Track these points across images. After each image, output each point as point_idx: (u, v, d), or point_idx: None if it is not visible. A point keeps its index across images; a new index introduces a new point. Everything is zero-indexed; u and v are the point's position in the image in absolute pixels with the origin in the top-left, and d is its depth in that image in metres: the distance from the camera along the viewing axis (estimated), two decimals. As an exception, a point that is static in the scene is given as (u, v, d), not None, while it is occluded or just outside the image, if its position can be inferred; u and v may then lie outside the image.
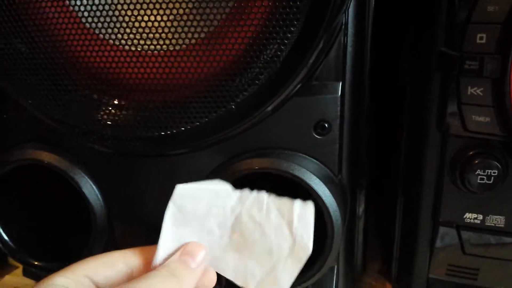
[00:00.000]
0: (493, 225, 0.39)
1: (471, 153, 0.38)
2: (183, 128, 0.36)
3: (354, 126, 0.41)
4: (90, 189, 0.41)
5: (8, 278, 0.53)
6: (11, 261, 0.54)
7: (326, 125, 0.39)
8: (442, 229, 0.41)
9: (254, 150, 0.39)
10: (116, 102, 0.36)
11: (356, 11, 0.39)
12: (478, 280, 0.42)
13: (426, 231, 0.42)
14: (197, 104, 0.36)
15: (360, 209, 0.45)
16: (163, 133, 0.36)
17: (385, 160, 0.50)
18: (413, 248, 0.43)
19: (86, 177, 0.41)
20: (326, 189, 0.38)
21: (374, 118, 0.48)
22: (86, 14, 0.35)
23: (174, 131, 0.36)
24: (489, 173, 0.37)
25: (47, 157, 0.40)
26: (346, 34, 0.38)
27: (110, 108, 0.36)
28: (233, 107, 0.36)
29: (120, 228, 0.44)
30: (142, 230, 0.44)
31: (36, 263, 0.44)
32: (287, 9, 0.33)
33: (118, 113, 0.36)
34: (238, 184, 0.39)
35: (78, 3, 0.35)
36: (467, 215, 0.40)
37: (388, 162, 0.49)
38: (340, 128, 0.39)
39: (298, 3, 0.33)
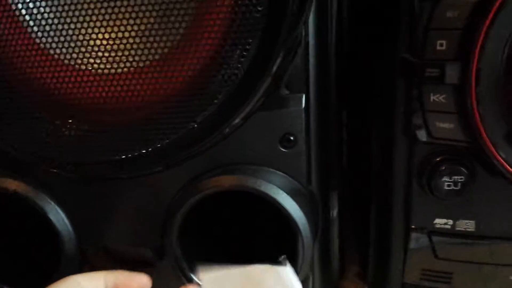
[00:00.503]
0: (464, 229, 0.39)
1: (437, 159, 0.38)
2: (143, 151, 0.35)
3: (321, 137, 0.41)
4: (56, 215, 0.40)
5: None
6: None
7: (291, 138, 0.38)
8: (414, 235, 0.41)
9: (220, 167, 0.39)
10: (70, 124, 0.36)
11: (316, 22, 0.38)
12: (452, 284, 0.42)
13: (399, 236, 0.42)
14: (156, 126, 0.35)
15: (334, 215, 0.45)
16: (123, 157, 0.35)
17: (358, 165, 0.50)
18: (387, 254, 0.43)
19: (52, 203, 0.40)
20: (294, 203, 0.38)
21: (348, 124, 0.47)
22: (36, 29, 0.34)
23: (135, 153, 0.35)
24: (456, 179, 0.37)
25: (11, 184, 0.40)
26: (307, 46, 0.38)
27: (65, 131, 0.36)
28: (195, 126, 0.36)
29: (93, 250, 0.43)
30: (116, 251, 0.43)
31: (6, 288, 0.43)
32: (243, 26, 0.33)
33: (74, 136, 0.35)
34: (206, 201, 0.39)
35: (28, 18, 0.34)
36: (437, 220, 0.40)
37: (361, 167, 0.48)
38: (307, 140, 0.39)
39: (253, 19, 0.32)
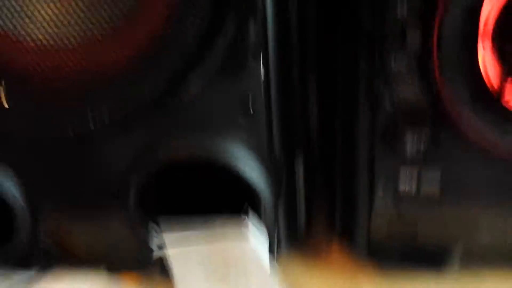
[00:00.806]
0: (428, 194, 0.39)
1: (401, 126, 0.37)
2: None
3: (283, 101, 0.39)
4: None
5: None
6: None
7: (251, 103, 0.37)
8: (378, 202, 0.40)
9: (177, 137, 0.38)
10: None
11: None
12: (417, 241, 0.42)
13: (364, 202, 0.41)
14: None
15: (300, 180, 0.44)
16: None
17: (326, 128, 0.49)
18: (353, 216, 0.43)
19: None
20: (254, 171, 0.37)
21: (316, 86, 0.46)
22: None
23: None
24: (419, 145, 0.36)
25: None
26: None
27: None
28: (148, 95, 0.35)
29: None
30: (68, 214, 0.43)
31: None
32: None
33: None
34: (163, 172, 0.38)
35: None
36: (402, 187, 0.39)
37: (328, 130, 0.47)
38: (267, 105, 0.38)
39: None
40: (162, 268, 0.38)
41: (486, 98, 0.34)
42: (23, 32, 0.33)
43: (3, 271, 0.44)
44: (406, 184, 0.39)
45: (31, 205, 0.40)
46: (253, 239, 0.37)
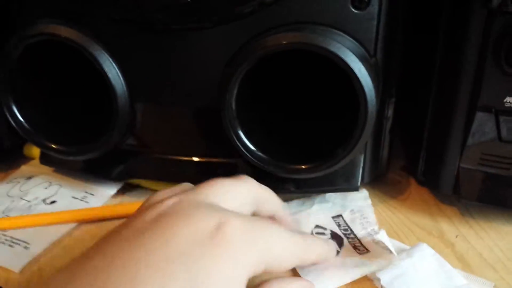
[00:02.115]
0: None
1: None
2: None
3: (392, 3, 0.38)
4: (110, 67, 0.39)
5: (24, 167, 0.52)
6: (27, 152, 0.52)
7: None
8: (479, 114, 0.39)
9: (285, 25, 0.37)
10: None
11: None
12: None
13: (462, 117, 0.40)
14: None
15: (391, 101, 0.43)
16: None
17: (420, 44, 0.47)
18: (445, 137, 0.41)
19: (106, 54, 0.38)
20: (362, 67, 0.36)
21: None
22: None
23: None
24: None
25: (65, 32, 0.38)
26: None
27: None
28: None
29: (141, 108, 0.42)
30: (164, 111, 0.42)
31: (54, 146, 0.42)
32: None
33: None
34: (266, 64, 0.37)
35: None
36: (508, 99, 0.38)
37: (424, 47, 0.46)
38: (379, 2, 0.37)
39: None
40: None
41: None
42: None
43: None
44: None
45: (129, 89, 0.39)
46: None
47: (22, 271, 0.38)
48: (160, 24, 0.37)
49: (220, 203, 0.30)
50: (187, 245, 0.26)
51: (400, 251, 0.37)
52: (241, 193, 0.31)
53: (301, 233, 0.31)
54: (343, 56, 0.35)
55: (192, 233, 0.26)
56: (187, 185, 0.33)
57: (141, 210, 0.30)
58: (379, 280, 0.34)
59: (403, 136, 0.53)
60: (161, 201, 0.29)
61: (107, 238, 0.28)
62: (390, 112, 0.44)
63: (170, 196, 0.30)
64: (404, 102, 0.46)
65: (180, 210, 0.28)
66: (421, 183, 0.48)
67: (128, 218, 0.30)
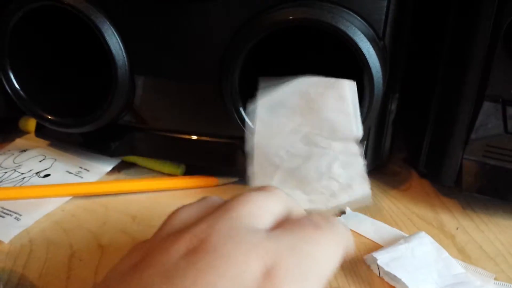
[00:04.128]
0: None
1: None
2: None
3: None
4: (111, 36, 0.38)
5: (19, 141, 0.51)
6: (22, 125, 0.51)
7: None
8: (486, 104, 0.38)
9: (292, 1, 0.36)
10: None
11: None
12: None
13: (468, 107, 0.39)
14: None
15: (395, 96, 0.42)
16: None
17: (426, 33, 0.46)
18: (450, 128, 0.41)
19: (108, 23, 0.37)
20: (371, 47, 0.35)
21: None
22: None
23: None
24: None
25: (67, -2, 0.37)
26: None
27: None
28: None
29: (141, 81, 0.41)
30: (164, 86, 0.41)
31: (50, 117, 0.41)
32: None
33: None
34: (274, 40, 0.36)
35: None
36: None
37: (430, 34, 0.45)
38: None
39: None
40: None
41: None
42: None
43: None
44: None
45: (130, 60, 0.38)
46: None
47: (12, 242, 0.37)
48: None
49: (255, 224, 0.24)
50: None
51: (399, 238, 0.36)
52: (274, 207, 0.26)
53: (331, 222, 0.26)
54: (352, 35, 0.34)
55: (236, 282, 0.21)
56: (213, 200, 0.27)
57: (163, 238, 0.24)
58: (375, 260, 0.33)
59: (405, 128, 0.52)
60: (188, 228, 0.23)
61: (124, 278, 0.22)
62: (393, 106, 0.43)
63: (198, 221, 0.24)
64: (407, 94, 0.45)
65: (215, 245, 0.22)
66: (422, 174, 0.47)
67: (145, 246, 0.24)
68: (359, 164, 0.34)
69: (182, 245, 0.22)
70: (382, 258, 0.33)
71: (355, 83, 0.32)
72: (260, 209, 0.25)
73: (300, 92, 0.33)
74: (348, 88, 0.32)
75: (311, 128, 0.33)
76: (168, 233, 0.24)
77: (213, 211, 0.25)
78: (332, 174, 0.35)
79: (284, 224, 0.25)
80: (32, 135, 0.48)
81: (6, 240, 0.37)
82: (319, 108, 0.33)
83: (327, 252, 0.24)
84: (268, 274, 0.21)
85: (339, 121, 0.33)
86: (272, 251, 0.22)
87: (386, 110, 0.43)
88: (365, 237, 0.38)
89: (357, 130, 0.34)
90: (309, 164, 0.35)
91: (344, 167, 0.35)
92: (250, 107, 0.35)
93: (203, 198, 0.27)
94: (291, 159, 0.35)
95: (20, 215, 0.39)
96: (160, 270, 0.21)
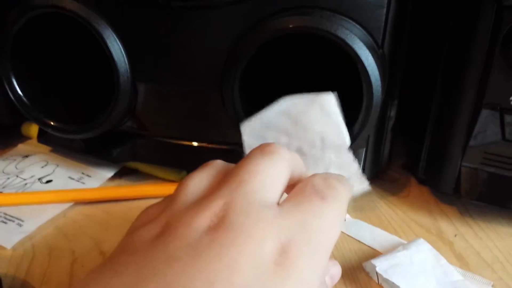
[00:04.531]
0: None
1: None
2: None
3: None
4: (114, 43, 0.38)
5: (21, 146, 0.51)
6: (24, 131, 0.52)
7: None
8: (484, 112, 0.38)
9: (292, 9, 0.36)
10: None
11: None
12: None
13: (466, 114, 0.39)
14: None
15: (394, 103, 0.43)
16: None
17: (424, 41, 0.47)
18: (448, 135, 0.41)
19: (110, 30, 0.38)
20: (370, 55, 0.35)
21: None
22: None
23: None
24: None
25: (70, 5, 0.37)
26: None
27: None
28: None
29: (143, 88, 0.41)
30: (166, 92, 0.41)
31: (52, 123, 0.42)
32: None
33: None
34: (272, 48, 0.36)
35: None
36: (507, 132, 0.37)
37: (428, 43, 0.45)
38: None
39: None
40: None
41: None
42: None
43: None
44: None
45: (132, 68, 0.38)
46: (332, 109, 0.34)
47: (14, 247, 0.37)
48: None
49: (267, 198, 0.25)
50: (250, 273, 0.21)
51: (398, 245, 0.36)
52: (281, 173, 0.26)
53: (333, 188, 0.27)
54: (350, 43, 0.35)
55: (255, 258, 0.22)
56: (218, 166, 0.28)
57: (181, 211, 0.24)
58: (374, 267, 0.33)
59: (404, 135, 0.52)
60: (205, 202, 0.24)
61: (148, 248, 0.22)
62: (392, 113, 0.43)
63: (213, 194, 0.25)
64: (406, 100, 0.45)
65: (234, 223, 0.23)
66: (421, 181, 0.47)
67: (162, 216, 0.24)
68: (354, 167, 0.35)
69: (203, 222, 0.23)
70: (381, 265, 0.33)
71: (335, 94, 0.32)
72: (270, 178, 0.26)
73: (284, 113, 0.33)
74: (329, 101, 0.32)
75: (302, 143, 0.34)
76: (186, 204, 0.25)
77: (225, 180, 0.25)
78: None
79: (291, 196, 0.26)
80: (34, 141, 0.49)
81: (9, 246, 0.37)
82: (305, 126, 0.33)
83: (333, 223, 0.25)
84: (283, 250, 0.23)
85: (327, 132, 0.33)
86: (285, 227, 0.23)
87: (385, 116, 0.43)
88: (364, 244, 0.38)
89: (347, 137, 0.34)
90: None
91: (340, 171, 0.35)
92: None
93: (207, 165, 0.28)
94: None
95: (23, 221, 0.39)
96: (186, 243, 0.22)
